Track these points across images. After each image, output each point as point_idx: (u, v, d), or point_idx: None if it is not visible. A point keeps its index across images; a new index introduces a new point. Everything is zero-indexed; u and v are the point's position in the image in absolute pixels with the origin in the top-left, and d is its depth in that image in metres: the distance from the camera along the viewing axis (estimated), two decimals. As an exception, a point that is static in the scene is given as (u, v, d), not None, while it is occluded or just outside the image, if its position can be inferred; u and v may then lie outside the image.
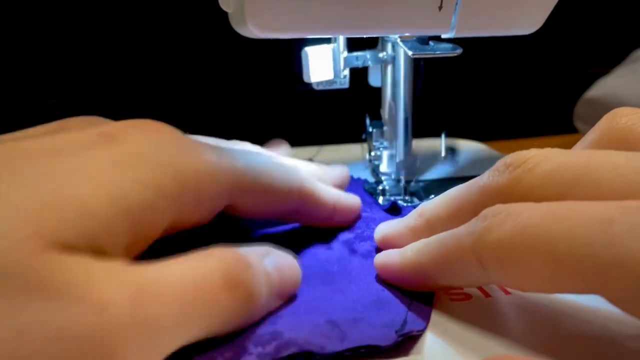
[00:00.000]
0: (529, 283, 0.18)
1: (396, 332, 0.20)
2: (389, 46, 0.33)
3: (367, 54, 0.33)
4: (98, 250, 0.16)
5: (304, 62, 0.32)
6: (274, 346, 0.19)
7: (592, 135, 0.21)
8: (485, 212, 0.19)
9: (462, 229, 0.19)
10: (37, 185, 0.15)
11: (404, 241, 0.24)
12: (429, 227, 0.23)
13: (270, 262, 0.21)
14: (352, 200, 0.29)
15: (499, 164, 0.21)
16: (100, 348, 0.14)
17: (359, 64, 0.33)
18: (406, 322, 0.21)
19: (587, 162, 0.18)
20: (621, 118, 0.21)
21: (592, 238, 0.15)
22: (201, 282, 0.17)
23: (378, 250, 0.26)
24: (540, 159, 0.19)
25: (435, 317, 0.21)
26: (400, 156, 0.34)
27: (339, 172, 0.31)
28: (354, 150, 0.44)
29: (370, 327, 0.20)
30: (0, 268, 0.14)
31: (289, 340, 0.19)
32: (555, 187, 0.18)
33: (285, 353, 0.18)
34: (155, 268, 0.17)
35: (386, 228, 0.26)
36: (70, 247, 0.15)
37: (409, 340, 0.20)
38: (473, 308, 0.22)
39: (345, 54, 0.33)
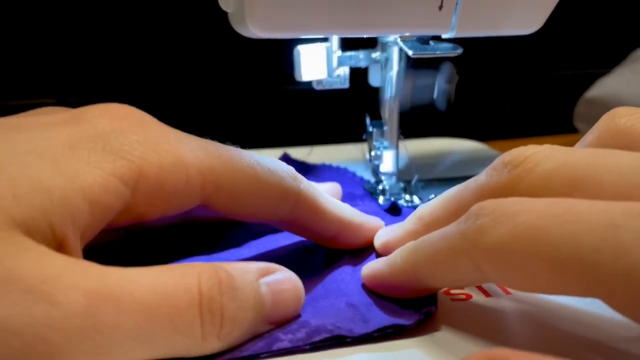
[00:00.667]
0: (529, 285, 0.17)
1: (416, 310, 0.20)
2: (387, 47, 0.33)
3: (361, 54, 0.33)
4: (55, 231, 0.15)
5: (295, 61, 0.31)
6: (304, 333, 0.19)
7: (591, 135, 0.21)
8: (475, 209, 0.18)
9: (453, 229, 0.18)
10: None
11: None
12: (429, 230, 0.22)
13: (266, 284, 0.19)
14: (369, 220, 0.26)
15: (497, 162, 0.20)
16: (41, 346, 0.13)
17: (352, 63, 0.33)
18: (422, 302, 0.21)
19: (590, 162, 0.18)
20: (620, 118, 0.20)
21: (596, 245, 0.15)
22: (171, 298, 0.16)
23: (378, 255, 0.25)
24: (540, 157, 0.19)
25: (436, 317, 0.21)
26: (400, 156, 0.34)
27: (329, 188, 0.29)
28: (354, 150, 0.44)
29: (388, 308, 0.21)
30: None
31: (317, 327, 0.20)
32: (557, 187, 0.18)
33: (317, 338, 0.19)
34: (123, 273, 0.16)
35: (385, 234, 0.25)
36: (27, 225, 0.15)
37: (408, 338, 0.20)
38: (473, 308, 0.22)
39: (339, 53, 0.33)
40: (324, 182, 0.30)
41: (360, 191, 0.34)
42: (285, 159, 0.39)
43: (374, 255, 0.25)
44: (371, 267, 0.23)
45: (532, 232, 0.16)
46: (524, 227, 0.16)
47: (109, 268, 0.16)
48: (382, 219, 0.27)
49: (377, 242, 0.25)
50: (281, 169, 0.23)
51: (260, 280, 0.19)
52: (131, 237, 0.25)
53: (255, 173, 0.21)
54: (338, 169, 0.38)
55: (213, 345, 0.17)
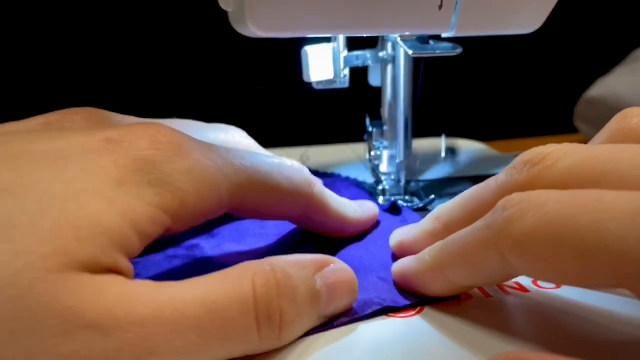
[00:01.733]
0: (556, 276, 0.17)
1: None
2: (389, 45, 0.33)
3: (368, 54, 0.33)
4: (114, 264, 0.16)
5: (304, 62, 0.32)
6: (356, 307, 0.21)
7: (602, 136, 0.21)
8: (502, 202, 0.18)
9: (481, 224, 0.19)
10: (51, 201, 0.16)
11: (421, 247, 0.23)
12: (447, 231, 0.22)
13: (322, 278, 0.19)
14: (368, 212, 0.28)
15: (517, 161, 0.20)
16: None
17: (359, 63, 0.33)
18: None
19: (610, 157, 0.18)
20: (632, 118, 0.20)
21: (624, 233, 0.15)
22: (223, 310, 0.17)
23: (394, 258, 0.25)
24: (560, 154, 0.19)
25: (436, 317, 0.21)
26: (400, 156, 0.34)
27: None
28: (354, 150, 0.44)
29: None
30: (14, 288, 0.14)
31: (366, 301, 0.21)
32: (577, 183, 0.18)
33: (369, 311, 0.21)
34: (173, 290, 0.16)
35: (401, 234, 0.25)
36: (91, 264, 0.15)
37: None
38: (473, 308, 0.22)
39: (346, 53, 0.33)
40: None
41: (355, 190, 0.34)
42: None
43: (377, 229, 0.28)
44: (400, 265, 0.23)
45: (558, 221, 0.16)
46: (550, 217, 0.16)
47: (159, 287, 0.16)
48: (381, 218, 0.27)
49: (393, 242, 0.26)
50: (298, 176, 0.24)
51: (316, 275, 0.19)
52: None
53: (277, 184, 0.22)
54: (333, 175, 0.38)
55: (271, 346, 0.18)
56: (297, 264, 0.19)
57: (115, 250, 0.16)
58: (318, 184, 0.25)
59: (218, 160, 0.20)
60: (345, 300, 0.20)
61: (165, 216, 0.18)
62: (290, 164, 0.24)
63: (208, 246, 0.27)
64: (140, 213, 0.17)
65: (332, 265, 0.20)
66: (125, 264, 0.17)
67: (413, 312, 0.22)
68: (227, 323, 0.16)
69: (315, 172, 0.38)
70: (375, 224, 0.29)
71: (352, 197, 0.31)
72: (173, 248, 0.27)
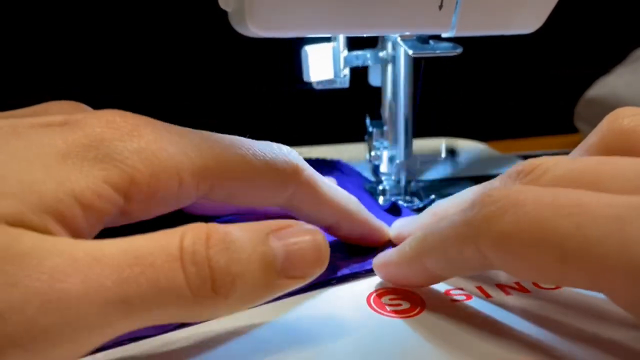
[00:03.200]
0: (535, 276, 0.17)
1: None
2: (389, 45, 0.33)
3: (368, 53, 0.33)
4: (46, 228, 0.16)
5: (303, 61, 0.31)
6: (356, 262, 0.24)
7: (594, 136, 0.21)
8: (481, 198, 0.18)
9: (459, 218, 0.19)
10: None
11: None
12: None
13: (278, 237, 0.18)
14: (374, 220, 0.26)
15: (511, 171, 0.21)
16: (3, 326, 0.14)
17: (359, 63, 0.33)
18: None
19: (597, 168, 0.18)
20: (624, 119, 0.20)
21: (603, 239, 0.15)
22: (145, 257, 0.15)
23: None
24: (550, 164, 0.19)
25: (436, 317, 0.21)
26: (400, 156, 0.34)
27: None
28: (354, 150, 0.44)
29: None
30: None
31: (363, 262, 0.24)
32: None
33: (368, 267, 0.24)
34: (96, 243, 0.16)
35: (401, 225, 0.26)
36: (13, 218, 0.15)
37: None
38: (473, 308, 0.22)
39: (346, 53, 0.33)
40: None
41: (369, 199, 0.34)
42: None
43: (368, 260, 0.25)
44: (381, 256, 0.23)
45: (538, 223, 0.16)
46: (529, 218, 0.16)
47: (81, 242, 0.16)
48: (381, 219, 0.27)
49: (393, 231, 0.27)
50: (280, 158, 0.22)
51: (270, 235, 0.18)
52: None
53: (251, 166, 0.21)
54: (347, 166, 0.38)
55: (218, 303, 0.16)
56: (247, 225, 0.18)
57: (45, 212, 0.16)
58: (307, 170, 0.23)
59: (180, 141, 0.19)
60: (310, 258, 0.18)
61: (113, 192, 0.17)
62: (274, 147, 0.22)
63: None
64: (81, 184, 0.17)
65: (294, 227, 0.19)
66: (57, 229, 0.16)
67: (413, 312, 0.22)
68: (148, 269, 0.15)
69: (321, 164, 0.38)
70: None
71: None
72: None
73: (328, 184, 0.25)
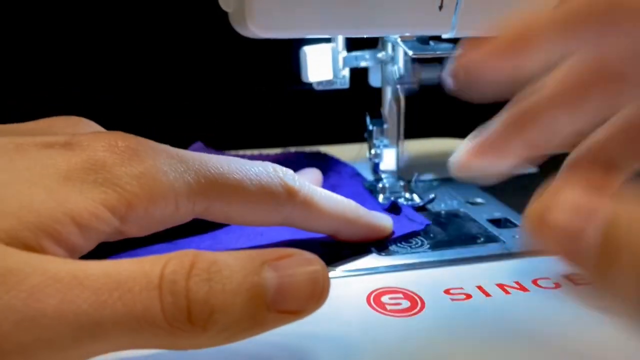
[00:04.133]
0: None
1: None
2: (389, 46, 0.33)
3: (366, 54, 0.33)
4: (41, 246, 0.16)
5: (302, 62, 0.32)
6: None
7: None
8: None
9: None
10: None
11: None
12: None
13: (276, 268, 0.17)
14: (372, 215, 0.27)
15: None
16: None
17: (358, 63, 0.33)
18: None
19: None
20: None
21: None
22: (125, 283, 0.15)
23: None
24: None
25: (436, 316, 0.21)
26: (400, 155, 0.34)
27: (310, 176, 0.29)
28: (354, 149, 0.44)
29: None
30: None
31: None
32: None
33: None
34: (81, 264, 0.16)
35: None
36: (8, 235, 0.16)
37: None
38: (473, 308, 0.22)
39: (345, 53, 0.33)
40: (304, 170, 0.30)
41: (368, 197, 0.34)
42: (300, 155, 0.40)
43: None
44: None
45: None
46: None
47: (68, 262, 0.16)
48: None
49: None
50: (275, 182, 0.23)
51: (265, 265, 0.17)
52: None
53: (246, 191, 0.22)
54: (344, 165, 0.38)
55: (196, 335, 0.16)
56: (243, 253, 0.17)
57: (41, 230, 0.16)
58: (303, 190, 0.23)
59: (179, 166, 0.20)
60: (306, 294, 0.17)
61: (110, 214, 0.18)
62: (269, 170, 0.23)
63: (202, 245, 0.27)
64: (80, 206, 0.17)
65: (296, 255, 0.17)
66: (52, 249, 0.17)
67: (413, 312, 0.22)
68: (126, 294, 0.15)
69: (319, 161, 0.38)
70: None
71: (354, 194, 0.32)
72: (163, 244, 0.27)
73: (325, 196, 0.25)
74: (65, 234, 0.17)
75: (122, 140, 0.19)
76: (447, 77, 0.20)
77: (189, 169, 0.20)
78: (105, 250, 0.21)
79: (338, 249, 0.26)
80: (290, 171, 0.24)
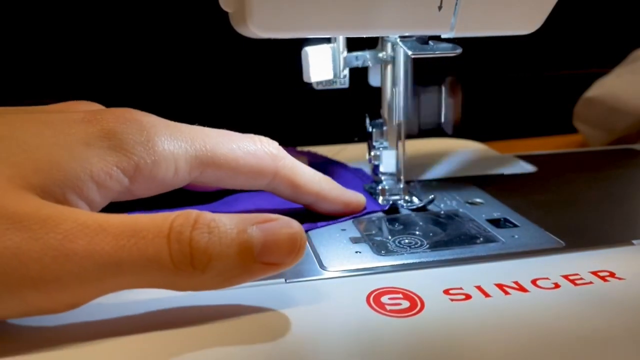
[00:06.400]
0: None
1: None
2: (389, 46, 0.33)
3: (367, 54, 0.33)
4: (66, 199, 0.20)
5: (304, 62, 0.32)
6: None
7: None
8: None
9: None
10: (27, 147, 0.20)
11: None
12: None
13: (259, 227, 0.21)
14: (349, 195, 0.31)
15: None
16: (22, 270, 0.18)
17: (358, 63, 0.33)
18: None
19: None
20: None
21: None
22: (140, 231, 0.19)
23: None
24: None
25: (435, 316, 0.21)
26: (400, 156, 0.34)
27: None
28: (354, 150, 0.44)
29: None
30: None
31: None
32: None
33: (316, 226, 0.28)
34: (103, 215, 0.19)
35: None
36: (42, 190, 0.20)
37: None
38: (473, 308, 0.22)
39: (345, 53, 0.33)
40: None
41: (368, 198, 0.34)
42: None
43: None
44: None
45: None
46: None
47: (95, 213, 0.19)
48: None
49: None
50: (261, 150, 0.27)
51: (254, 225, 0.21)
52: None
53: (235, 157, 0.26)
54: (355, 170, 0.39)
55: (196, 277, 0.19)
56: (237, 216, 0.21)
57: (67, 187, 0.21)
58: (285, 159, 0.28)
59: (178, 136, 0.24)
60: (285, 247, 0.21)
61: (122, 174, 0.22)
62: (256, 140, 0.27)
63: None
64: (97, 166, 0.21)
65: (279, 220, 0.21)
66: (76, 202, 0.21)
67: (412, 312, 0.22)
68: (140, 240, 0.19)
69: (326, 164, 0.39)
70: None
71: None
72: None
73: (305, 170, 0.29)
74: (85, 190, 0.21)
75: (130, 113, 0.23)
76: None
77: (186, 139, 0.24)
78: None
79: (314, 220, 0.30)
80: (275, 143, 0.28)
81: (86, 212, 0.19)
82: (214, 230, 0.20)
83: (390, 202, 0.33)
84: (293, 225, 0.21)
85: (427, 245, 0.28)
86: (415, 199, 0.34)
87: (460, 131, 0.48)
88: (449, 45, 0.30)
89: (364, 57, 0.33)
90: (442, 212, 0.32)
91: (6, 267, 0.18)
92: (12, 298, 0.18)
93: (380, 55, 0.33)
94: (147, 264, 0.19)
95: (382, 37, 0.33)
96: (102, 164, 0.22)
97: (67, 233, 0.18)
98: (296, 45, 0.31)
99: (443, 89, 0.33)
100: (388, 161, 0.35)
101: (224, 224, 0.20)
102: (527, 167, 0.42)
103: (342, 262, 0.26)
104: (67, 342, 0.20)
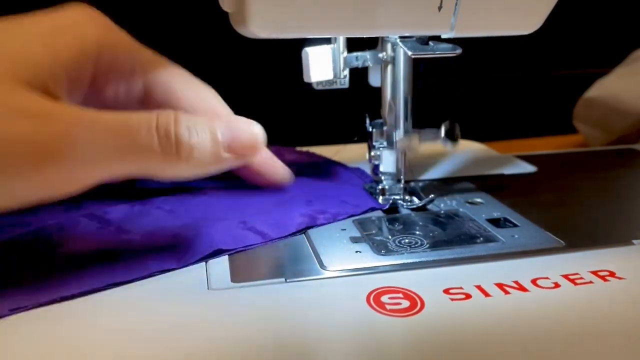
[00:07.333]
0: None
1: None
2: (389, 46, 0.33)
3: (367, 54, 0.33)
4: (47, 90, 0.22)
5: (304, 62, 0.32)
6: (330, 214, 0.30)
7: None
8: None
9: None
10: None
11: None
12: None
13: (226, 126, 0.24)
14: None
15: None
16: (35, 147, 0.20)
17: (358, 64, 0.33)
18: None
19: None
20: None
21: None
22: (134, 123, 0.22)
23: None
24: None
25: (435, 316, 0.21)
26: (399, 155, 0.34)
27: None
28: (354, 150, 0.44)
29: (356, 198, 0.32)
30: None
31: (336, 212, 0.31)
32: None
33: (341, 217, 0.30)
34: (96, 112, 0.22)
35: None
36: (28, 84, 0.21)
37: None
38: (473, 308, 0.22)
39: (345, 54, 0.33)
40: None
41: (368, 197, 0.34)
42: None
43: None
44: None
45: None
46: None
47: (89, 108, 0.22)
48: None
49: None
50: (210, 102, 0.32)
51: (222, 123, 0.24)
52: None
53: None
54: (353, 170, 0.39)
55: (180, 163, 0.23)
56: (205, 118, 0.24)
57: (50, 80, 0.22)
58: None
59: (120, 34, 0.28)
60: (248, 143, 0.25)
61: (87, 61, 0.25)
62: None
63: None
64: (69, 55, 0.24)
65: (241, 120, 0.25)
66: (60, 91, 0.23)
67: (412, 312, 0.22)
68: (133, 131, 0.22)
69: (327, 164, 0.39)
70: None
71: (352, 194, 0.32)
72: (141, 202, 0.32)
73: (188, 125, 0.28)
74: (59, 76, 0.23)
75: (90, 12, 0.26)
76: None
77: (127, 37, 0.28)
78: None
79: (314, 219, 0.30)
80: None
81: (81, 107, 0.22)
82: (192, 126, 0.23)
83: (391, 200, 0.33)
84: (254, 125, 0.26)
85: (427, 245, 0.28)
86: (415, 199, 0.34)
87: (460, 131, 0.48)
88: (449, 45, 0.30)
89: (364, 58, 0.33)
90: (442, 212, 0.32)
91: (22, 150, 0.20)
92: (29, 178, 0.20)
93: (380, 55, 0.33)
94: (140, 149, 0.22)
95: (382, 38, 0.33)
96: (70, 50, 0.24)
97: (76, 113, 0.21)
98: (296, 46, 0.31)
99: (442, 130, 0.33)
100: (388, 161, 0.35)
101: (199, 123, 0.23)
102: (527, 167, 0.42)
103: (342, 262, 0.26)
104: (67, 342, 0.20)
